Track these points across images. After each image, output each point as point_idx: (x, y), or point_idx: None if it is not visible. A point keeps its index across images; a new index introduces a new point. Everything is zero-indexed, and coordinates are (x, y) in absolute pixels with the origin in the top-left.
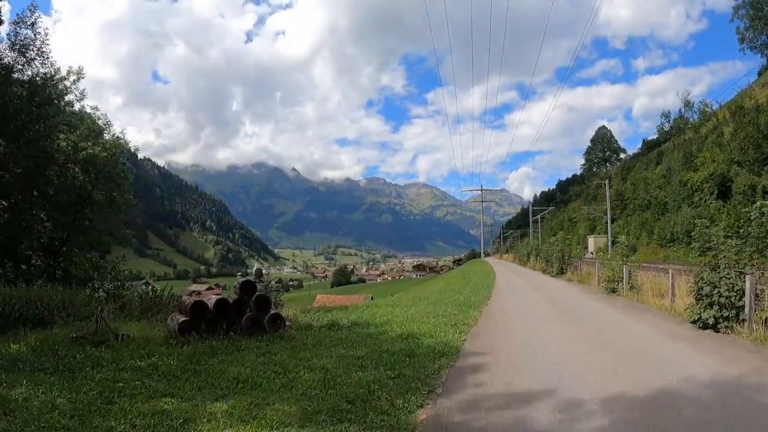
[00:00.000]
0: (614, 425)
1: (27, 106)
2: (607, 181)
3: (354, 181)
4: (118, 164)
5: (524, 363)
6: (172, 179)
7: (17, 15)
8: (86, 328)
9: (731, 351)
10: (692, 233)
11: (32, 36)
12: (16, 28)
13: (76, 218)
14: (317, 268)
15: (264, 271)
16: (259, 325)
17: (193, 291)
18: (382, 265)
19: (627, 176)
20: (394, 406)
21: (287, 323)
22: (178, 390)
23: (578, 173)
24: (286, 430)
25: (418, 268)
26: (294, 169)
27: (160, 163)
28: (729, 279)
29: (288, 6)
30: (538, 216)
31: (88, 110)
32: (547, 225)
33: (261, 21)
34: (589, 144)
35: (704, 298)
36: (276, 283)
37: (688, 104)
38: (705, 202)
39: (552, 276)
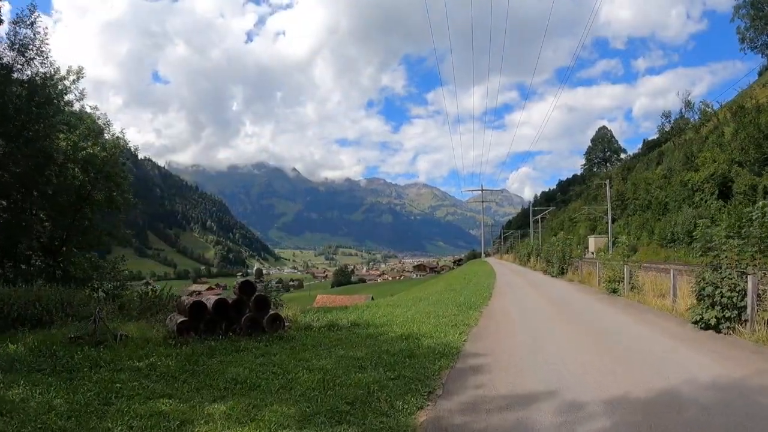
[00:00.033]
0: (616, 428)
1: (26, 105)
2: (607, 181)
3: (354, 182)
4: (118, 164)
5: (525, 364)
6: (173, 179)
7: (16, 15)
8: (85, 329)
9: (733, 352)
10: (694, 233)
11: (31, 35)
12: (15, 28)
13: (76, 218)
14: (317, 268)
15: (264, 272)
16: (259, 325)
17: (194, 291)
18: (383, 266)
19: (627, 176)
20: (393, 408)
21: (286, 324)
22: (176, 391)
23: (579, 173)
24: None
25: (419, 268)
26: (294, 170)
27: (161, 163)
28: (731, 279)
29: (288, 6)
30: (539, 216)
31: (88, 110)
32: (548, 225)
33: (261, 21)
34: (590, 144)
35: (706, 298)
36: (276, 283)
37: (688, 104)
38: (706, 202)
39: (552, 276)
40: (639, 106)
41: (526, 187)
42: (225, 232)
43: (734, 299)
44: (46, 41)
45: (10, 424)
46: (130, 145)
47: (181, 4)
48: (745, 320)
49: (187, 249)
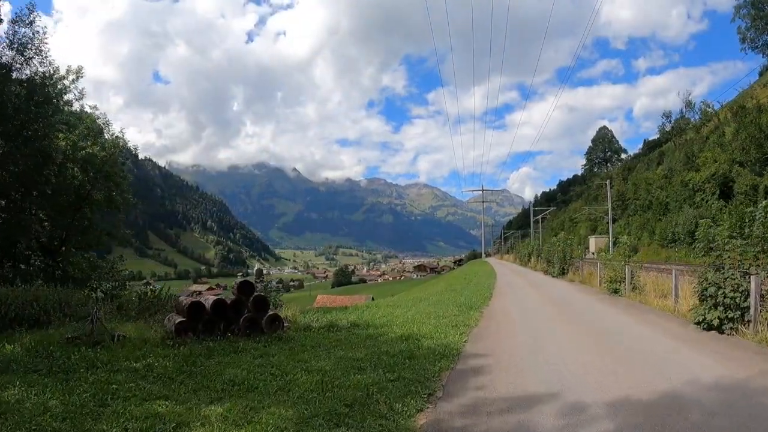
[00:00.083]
0: (620, 430)
1: (25, 105)
2: (608, 182)
3: (355, 182)
4: (117, 164)
5: (526, 365)
6: (173, 179)
7: (15, 14)
8: (82, 329)
9: (737, 353)
10: (695, 233)
11: (30, 35)
12: (14, 27)
13: (75, 218)
14: (318, 268)
15: (265, 272)
16: (257, 326)
17: (194, 291)
18: (383, 266)
19: (628, 176)
20: (393, 410)
21: (286, 324)
22: (172, 392)
23: (579, 173)
24: None
25: (419, 268)
26: (295, 170)
27: (161, 163)
28: (734, 279)
29: (289, 6)
30: (539, 216)
31: (88, 110)
32: (548, 225)
33: (262, 21)
34: (590, 144)
35: (708, 299)
36: (277, 283)
37: (689, 104)
38: (707, 202)
39: (553, 276)
40: (639, 106)
41: (526, 187)
42: (225, 232)
43: (737, 300)
44: (45, 40)
45: (4, 426)
46: (130, 144)
47: (182, 4)
48: (748, 321)
49: (187, 249)
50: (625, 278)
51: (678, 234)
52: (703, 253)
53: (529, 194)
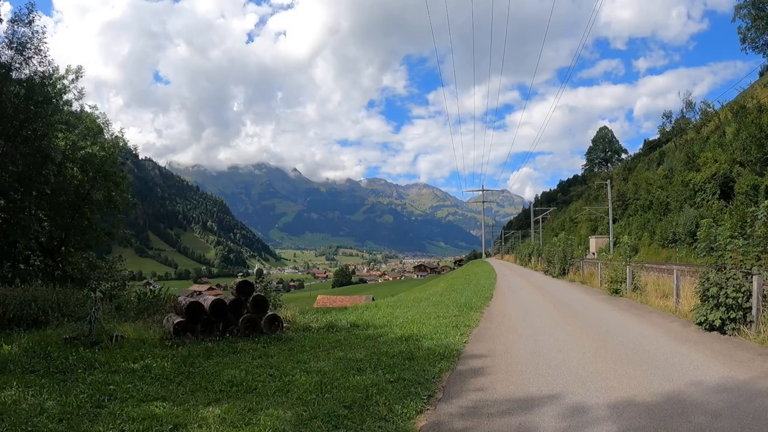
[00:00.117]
0: None
1: (24, 104)
2: (608, 182)
3: (355, 182)
4: (117, 163)
5: (527, 366)
6: (173, 179)
7: (15, 13)
8: (80, 329)
9: (739, 354)
10: (696, 233)
11: (30, 34)
12: (13, 27)
13: (75, 218)
14: (318, 268)
15: (265, 272)
16: (257, 326)
17: (194, 291)
18: (383, 266)
19: (628, 176)
20: (392, 412)
21: (285, 324)
22: (170, 393)
23: (579, 174)
24: None
25: (419, 268)
26: (295, 170)
27: (162, 163)
28: (736, 280)
29: (289, 6)
30: (540, 216)
31: (87, 109)
32: (549, 225)
33: (262, 21)
34: (591, 144)
35: (710, 299)
36: (277, 283)
37: (689, 104)
38: (707, 202)
39: (554, 277)
40: (640, 106)
41: (527, 187)
42: (226, 233)
43: (739, 300)
44: (45, 40)
45: (0, 427)
46: (130, 144)
47: (182, 4)
48: (751, 321)
49: (187, 249)
50: (626, 278)
51: (678, 234)
52: (704, 253)
53: (529, 194)
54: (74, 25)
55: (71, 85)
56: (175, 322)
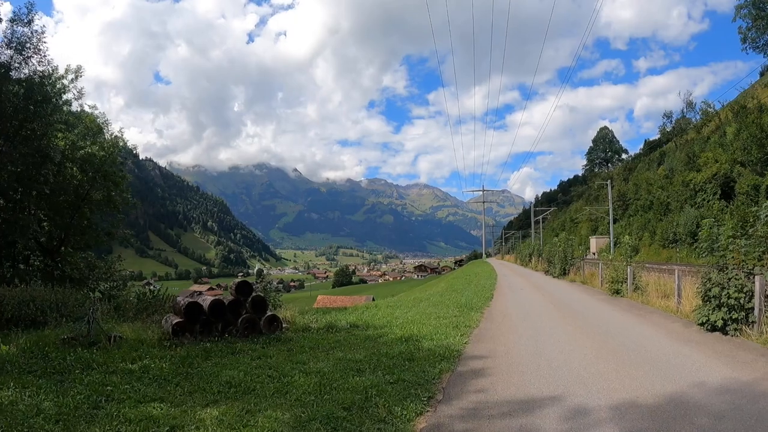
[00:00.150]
0: None
1: (24, 104)
2: (609, 182)
3: (355, 182)
4: (117, 163)
5: (528, 367)
6: (174, 180)
7: (14, 13)
8: (78, 330)
9: (742, 354)
10: (698, 233)
11: (29, 34)
12: (12, 26)
13: (74, 218)
14: (318, 268)
15: (265, 272)
16: (256, 326)
17: (194, 291)
18: (384, 266)
19: (629, 177)
20: (392, 414)
21: (284, 325)
22: (168, 394)
23: (580, 174)
24: None
25: (420, 268)
26: (295, 170)
27: (162, 163)
28: (738, 280)
29: (290, 6)
30: (540, 217)
31: (87, 109)
32: (549, 226)
33: (263, 21)
34: (591, 144)
35: (712, 299)
36: (277, 283)
37: (690, 104)
38: (708, 202)
39: (554, 277)
40: (640, 106)
41: (527, 187)
42: (226, 233)
43: (741, 300)
44: (44, 39)
45: None
46: (130, 144)
47: (183, 4)
48: (753, 322)
49: (188, 249)
50: (626, 278)
51: (679, 234)
52: (706, 253)
53: (529, 194)
54: (75, 25)
55: (71, 85)
56: (174, 322)
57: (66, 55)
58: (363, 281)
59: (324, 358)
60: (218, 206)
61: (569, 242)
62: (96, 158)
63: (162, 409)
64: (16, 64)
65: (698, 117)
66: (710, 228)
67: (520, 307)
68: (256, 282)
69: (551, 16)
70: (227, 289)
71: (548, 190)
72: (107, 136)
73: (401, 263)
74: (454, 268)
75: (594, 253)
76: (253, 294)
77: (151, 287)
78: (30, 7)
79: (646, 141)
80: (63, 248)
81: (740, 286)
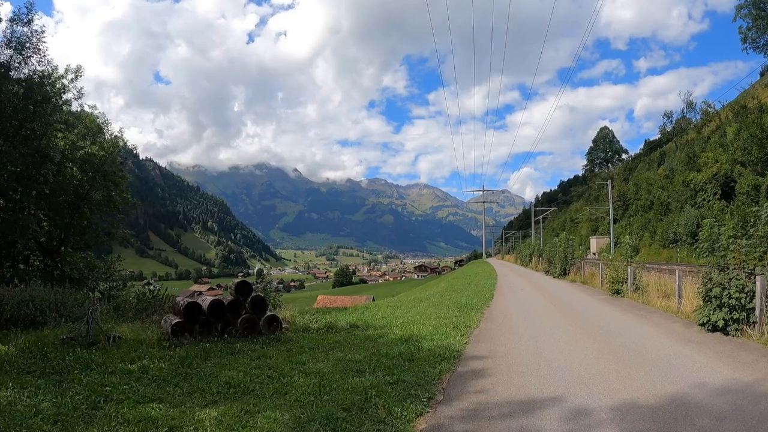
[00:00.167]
0: None
1: (23, 103)
2: (609, 182)
3: (355, 182)
4: (116, 163)
5: (529, 368)
6: (174, 180)
7: (14, 13)
8: (77, 330)
9: (743, 355)
10: (699, 233)
11: (29, 33)
12: (12, 26)
13: (74, 218)
14: (319, 268)
15: (265, 272)
16: (255, 327)
17: (195, 291)
18: (384, 266)
19: (629, 177)
20: (391, 415)
21: (284, 325)
22: (166, 395)
23: (580, 174)
24: None
25: (420, 269)
26: (296, 170)
27: (162, 163)
28: (739, 280)
29: (290, 6)
30: (540, 217)
31: (87, 109)
32: (549, 226)
33: (263, 21)
34: (591, 144)
35: (713, 299)
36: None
37: (690, 104)
38: (708, 202)
39: (554, 277)
40: (640, 106)
41: (527, 187)
42: (226, 233)
43: (742, 300)
44: (44, 39)
45: None
46: (130, 144)
47: (183, 4)
48: (754, 322)
49: (188, 249)
50: (627, 279)
51: (679, 234)
52: (707, 253)
53: (529, 195)
54: (75, 25)
55: (70, 85)
56: (173, 322)
57: (66, 55)
58: (363, 281)
59: (324, 358)
60: (218, 206)
61: (569, 242)
62: (96, 158)
63: (161, 410)
64: (16, 64)
65: (698, 117)
66: (711, 228)
67: (520, 307)
68: (256, 282)
69: (551, 16)
70: (227, 289)
71: (548, 190)
72: (107, 136)
73: (401, 263)
74: (455, 268)
75: (594, 254)
76: (253, 294)
77: (151, 287)
78: (30, 7)
79: (646, 141)
80: (63, 248)
81: (741, 287)
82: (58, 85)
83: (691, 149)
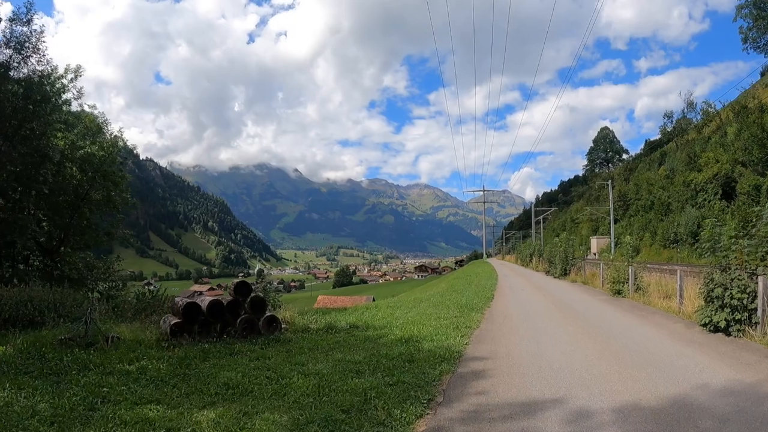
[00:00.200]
0: None
1: (23, 103)
2: (609, 182)
3: (356, 182)
4: (116, 163)
5: (530, 369)
6: (175, 180)
7: (13, 12)
8: (76, 330)
9: (745, 356)
10: (700, 233)
11: (28, 33)
12: (11, 25)
13: (74, 218)
14: (319, 268)
15: (265, 272)
16: (255, 327)
17: (195, 292)
18: (384, 266)
19: (630, 177)
20: (391, 417)
21: (284, 326)
22: (164, 396)
23: (580, 174)
24: None
25: (420, 269)
26: (296, 170)
27: (163, 163)
28: (741, 280)
29: (290, 7)
30: (541, 217)
31: (86, 109)
32: (550, 226)
33: (263, 22)
34: (592, 145)
35: (715, 300)
36: (278, 283)
37: (690, 104)
38: (709, 202)
39: (555, 277)
40: (641, 106)
41: (527, 187)
42: (227, 233)
43: (744, 301)
44: (43, 39)
45: None
46: (130, 144)
47: (183, 4)
48: (756, 323)
49: (188, 249)
50: (628, 279)
51: (680, 234)
52: (708, 253)
53: (530, 195)
54: (75, 25)
55: (70, 85)
56: (172, 323)
57: (66, 55)
58: (363, 281)
59: (323, 359)
60: (219, 206)
61: (570, 242)
62: (95, 158)
63: (158, 411)
64: (15, 64)
65: (699, 117)
66: (712, 228)
67: (521, 307)
68: (256, 282)
69: (552, 16)
70: (227, 289)
71: (549, 191)
72: (107, 135)
73: (402, 263)
74: (455, 269)
75: (595, 254)
76: (252, 294)
77: (151, 287)
78: (29, 7)
79: (646, 141)
80: (62, 248)
81: (743, 287)
82: (57, 85)
83: (692, 149)
